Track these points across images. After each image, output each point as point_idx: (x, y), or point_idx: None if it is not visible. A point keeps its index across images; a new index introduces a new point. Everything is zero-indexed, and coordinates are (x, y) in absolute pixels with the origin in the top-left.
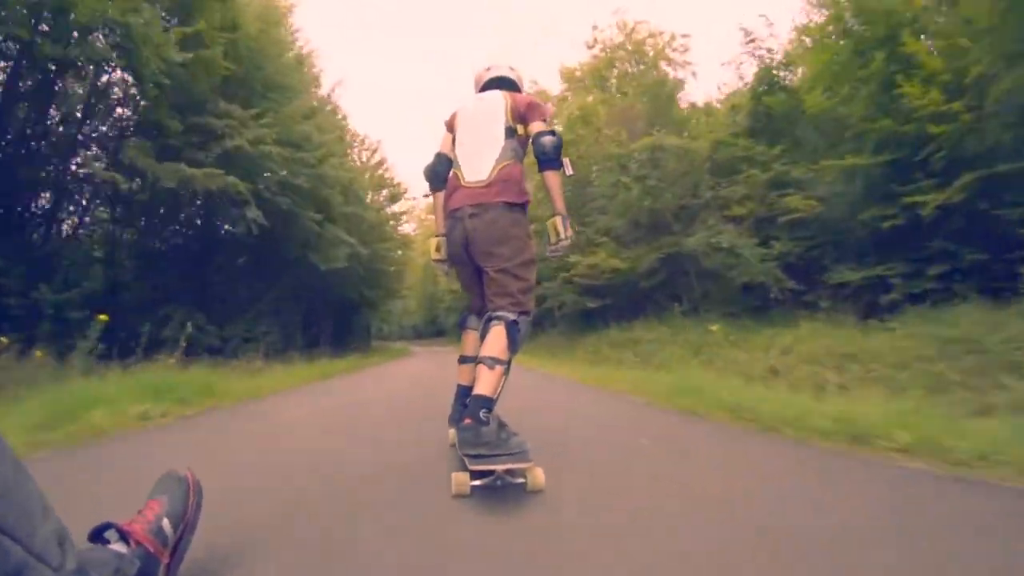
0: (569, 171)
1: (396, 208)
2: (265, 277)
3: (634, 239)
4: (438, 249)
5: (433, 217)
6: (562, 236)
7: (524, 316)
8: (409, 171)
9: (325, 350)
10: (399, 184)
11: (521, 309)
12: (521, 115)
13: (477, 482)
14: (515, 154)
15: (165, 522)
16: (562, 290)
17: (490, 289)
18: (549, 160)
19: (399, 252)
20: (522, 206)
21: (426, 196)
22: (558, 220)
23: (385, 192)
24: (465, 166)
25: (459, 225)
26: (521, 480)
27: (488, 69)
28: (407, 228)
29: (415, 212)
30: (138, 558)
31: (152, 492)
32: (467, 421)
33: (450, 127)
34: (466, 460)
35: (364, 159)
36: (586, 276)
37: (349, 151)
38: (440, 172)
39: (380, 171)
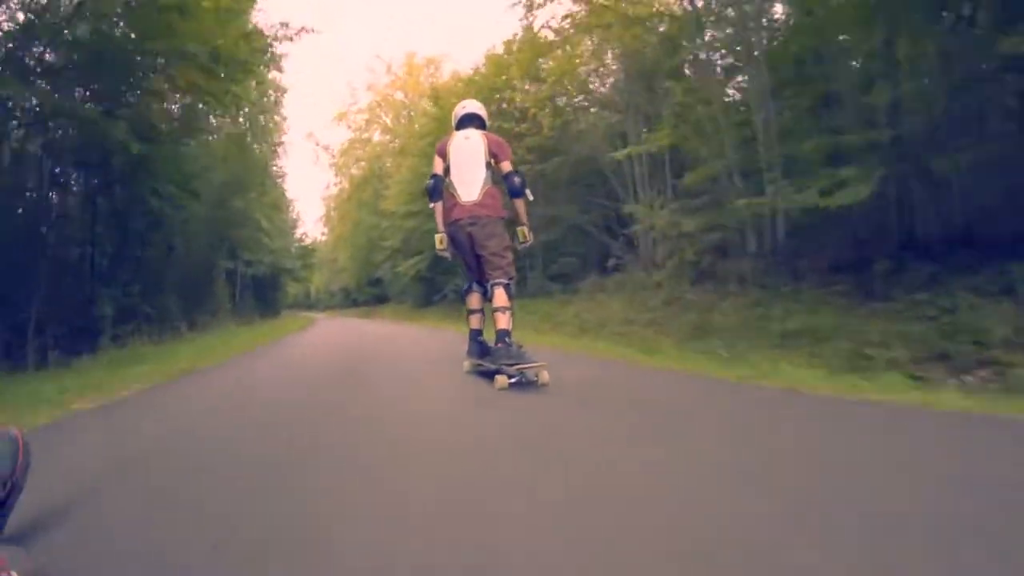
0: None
1: None
2: None
3: None
4: (441, 242)
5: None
6: (528, 239)
7: (511, 280)
8: None
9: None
10: None
11: (509, 276)
12: (494, 153)
13: (512, 380)
14: (493, 180)
15: None
16: None
17: (488, 266)
18: (517, 192)
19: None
20: (501, 217)
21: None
22: (524, 229)
23: None
24: (460, 190)
25: (462, 231)
26: (535, 378)
27: (463, 107)
28: None
29: None
30: None
31: None
32: (499, 344)
33: (441, 154)
34: (503, 367)
35: None
36: None
37: None
38: (437, 188)
39: None
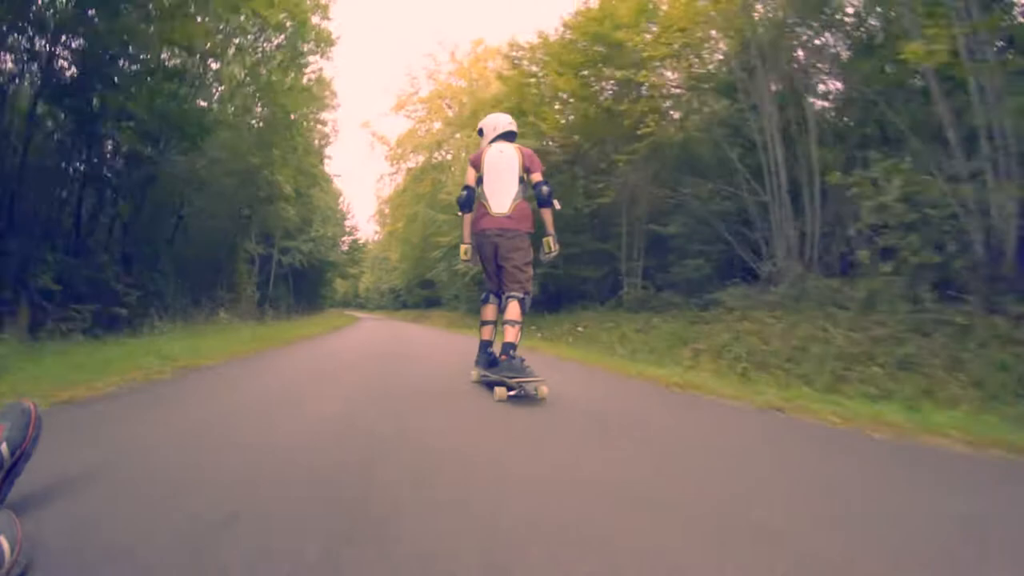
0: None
1: None
2: None
3: None
4: (465, 253)
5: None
6: (553, 249)
7: (527, 295)
8: None
9: None
10: None
11: (525, 290)
12: (527, 167)
13: (511, 392)
14: (524, 193)
15: (3, 446)
16: None
17: (507, 279)
18: (546, 202)
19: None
20: (529, 232)
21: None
22: (550, 239)
23: None
24: (492, 201)
25: (488, 241)
26: (534, 392)
27: (498, 125)
28: None
29: None
30: None
31: None
32: (503, 357)
33: (475, 166)
34: (505, 379)
35: None
36: None
37: None
38: (470, 200)
39: None
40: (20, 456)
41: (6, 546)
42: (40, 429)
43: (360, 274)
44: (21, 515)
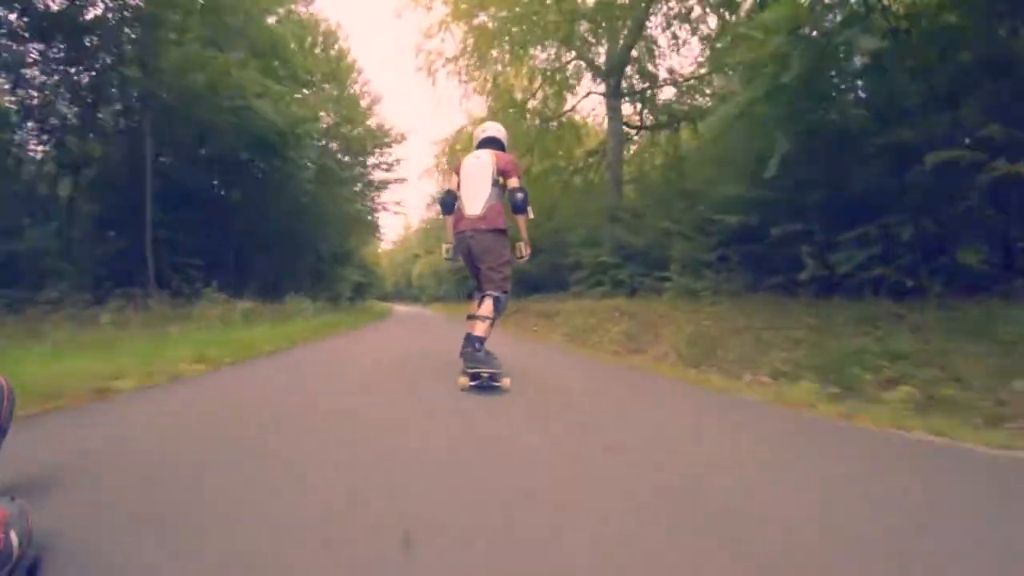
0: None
1: None
2: None
3: None
4: (447, 251)
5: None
6: (523, 254)
7: (504, 294)
8: None
9: None
10: None
11: (502, 290)
12: (502, 171)
13: (473, 382)
14: (498, 197)
15: None
16: None
17: (483, 279)
18: (518, 208)
19: None
20: (503, 231)
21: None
22: (522, 244)
23: None
24: (467, 204)
25: (464, 242)
26: (496, 384)
27: (483, 130)
28: None
29: None
30: None
31: None
32: (468, 349)
33: (456, 171)
34: (467, 369)
35: None
36: None
37: None
38: (449, 203)
39: None
40: None
41: (15, 540)
42: (13, 402)
43: (415, 258)
44: None
